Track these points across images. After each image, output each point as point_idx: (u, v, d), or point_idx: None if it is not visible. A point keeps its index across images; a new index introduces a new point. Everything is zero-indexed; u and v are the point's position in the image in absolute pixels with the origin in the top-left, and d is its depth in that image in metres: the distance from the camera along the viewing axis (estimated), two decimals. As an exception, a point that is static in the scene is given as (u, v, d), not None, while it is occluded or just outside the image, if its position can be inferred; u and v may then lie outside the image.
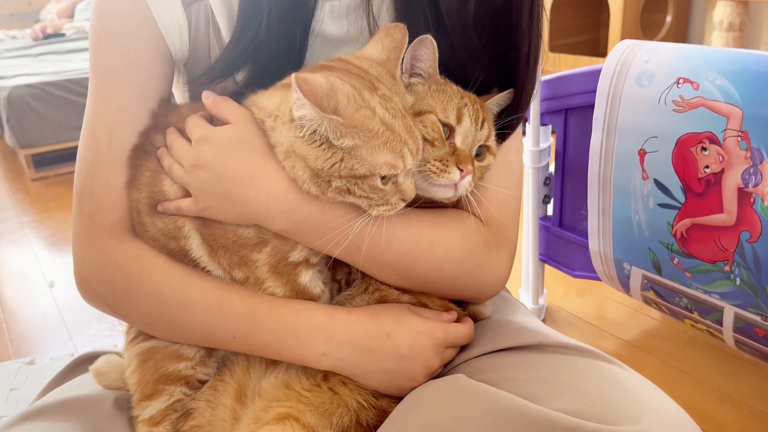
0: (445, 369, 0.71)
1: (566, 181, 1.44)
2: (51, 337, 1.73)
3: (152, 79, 0.72)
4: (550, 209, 1.54)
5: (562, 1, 3.16)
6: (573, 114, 1.36)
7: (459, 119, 0.66)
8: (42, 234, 2.44)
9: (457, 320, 0.73)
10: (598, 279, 1.35)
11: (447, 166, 0.65)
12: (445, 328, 0.69)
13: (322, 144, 0.59)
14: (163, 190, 0.68)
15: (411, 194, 0.63)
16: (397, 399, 0.68)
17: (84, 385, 0.77)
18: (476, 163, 0.68)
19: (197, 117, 0.68)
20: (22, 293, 2.03)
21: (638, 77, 1.09)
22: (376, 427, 0.65)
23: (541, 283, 1.62)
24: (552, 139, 1.47)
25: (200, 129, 0.66)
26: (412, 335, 0.67)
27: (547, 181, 1.48)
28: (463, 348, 0.72)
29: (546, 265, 1.60)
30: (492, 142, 0.70)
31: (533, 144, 1.43)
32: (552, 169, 1.50)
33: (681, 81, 1.03)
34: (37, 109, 3.03)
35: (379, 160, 0.59)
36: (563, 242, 1.50)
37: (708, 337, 1.38)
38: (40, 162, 3.13)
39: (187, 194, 0.67)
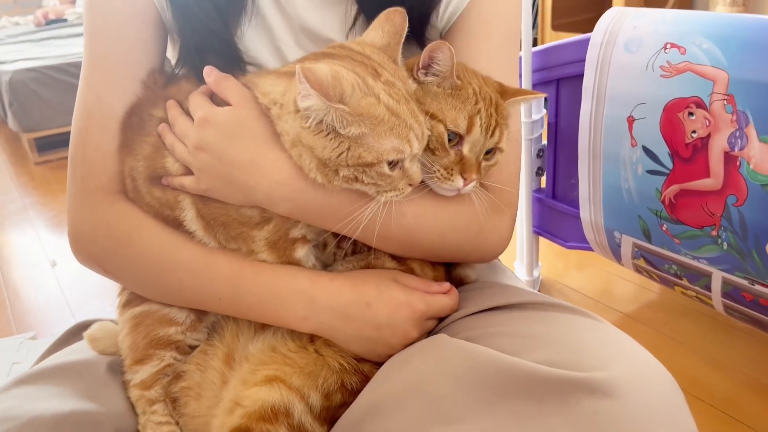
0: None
1: (559, 153, 1.44)
2: (53, 313, 1.76)
3: (142, 45, 0.73)
4: (543, 182, 1.54)
5: (565, -21, 3.14)
6: (564, 84, 1.36)
7: (469, 129, 0.66)
8: (45, 216, 2.47)
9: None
10: (590, 249, 1.36)
11: (451, 174, 0.66)
12: (426, 301, 0.69)
13: (329, 134, 0.59)
14: (166, 166, 0.69)
15: (418, 179, 0.63)
16: (379, 365, 0.69)
17: (79, 351, 0.78)
18: (484, 163, 0.69)
19: (199, 95, 0.68)
20: (26, 272, 2.06)
21: (626, 43, 1.09)
22: (360, 391, 0.66)
23: (535, 256, 1.62)
24: (545, 111, 1.47)
25: (202, 110, 0.66)
26: (392, 306, 0.68)
27: (540, 153, 1.48)
28: None
29: (545, 240, 1.61)
30: (504, 143, 0.70)
31: (525, 116, 1.43)
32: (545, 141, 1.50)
33: (668, 46, 1.02)
34: (38, 92, 3.06)
35: (386, 146, 0.59)
36: (556, 214, 1.50)
37: (702, 307, 1.38)
38: (43, 146, 3.16)
39: (189, 171, 0.67)
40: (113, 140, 0.71)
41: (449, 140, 0.66)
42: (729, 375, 1.29)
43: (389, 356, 0.68)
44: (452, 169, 0.66)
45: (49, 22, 4.24)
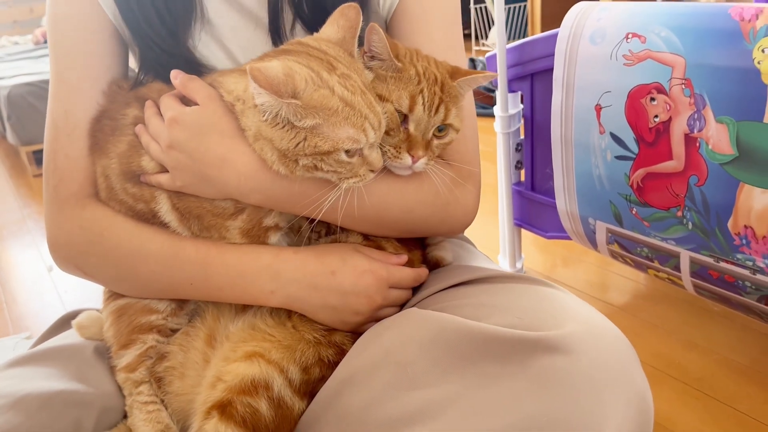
0: (401, 310, 0.76)
1: (535, 145, 1.48)
2: (48, 315, 1.80)
3: (100, 59, 0.77)
4: (522, 175, 1.58)
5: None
6: (538, 78, 1.40)
7: (411, 107, 0.69)
8: (42, 225, 2.49)
9: (413, 266, 0.77)
10: (569, 238, 1.39)
11: (400, 152, 0.70)
12: (389, 269, 0.73)
13: (285, 126, 0.62)
14: (142, 165, 0.72)
15: (378, 164, 0.66)
16: (351, 337, 0.73)
17: (68, 337, 0.82)
18: (437, 141, 0.72)
19: (169, 97, 0.71)
20: (23, 277, 2.11)
21: (592, 35, 1.13)
22: (338, 364, 0.69)
23: (518, 248, 1.66)
24: (522, 106, 1.51)
25: (171, 110, 0.69)
26: (356, 273, 0.71)
27: (518, 147, 1.52)
28: (420, 290, 0.77)
29: (530, 235, 1.63)
30: (453, 119, 0.73)
31: (502, 110, 1.47)
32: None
33: (630, 36, 1.07)
34: (36, 106, 3.11)
35: (341, 136, 0.62)
36: (536, 205, 1.54)
37: (680, 292, 1.42)
38: (41, 159, 3.19)
39: (164, 169, 0.71)
40: (81, 149, 0.75)
41: None
42: (705, 356, 1.32)
43: (357, 324, 0.72)
44: (400, 147, 0.70)
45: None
